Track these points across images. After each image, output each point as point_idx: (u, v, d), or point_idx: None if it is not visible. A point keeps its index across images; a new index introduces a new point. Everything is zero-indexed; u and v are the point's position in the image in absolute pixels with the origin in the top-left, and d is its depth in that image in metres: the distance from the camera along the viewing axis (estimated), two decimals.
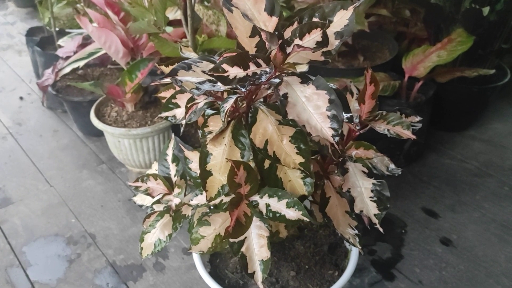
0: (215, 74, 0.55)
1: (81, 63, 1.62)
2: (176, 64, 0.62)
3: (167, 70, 0.71)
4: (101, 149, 1.72)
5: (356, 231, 0.80)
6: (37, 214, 1.43)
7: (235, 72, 0.56)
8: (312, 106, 0.58)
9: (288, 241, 1.00)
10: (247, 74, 0.57)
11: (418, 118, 0.80)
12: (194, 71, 0.61)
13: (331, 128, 0.57)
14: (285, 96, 0.59)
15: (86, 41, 1.74)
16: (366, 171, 0.77)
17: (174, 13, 1.55)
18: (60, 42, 1.84)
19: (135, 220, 1.38)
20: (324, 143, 0.74)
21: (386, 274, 1.18)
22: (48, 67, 1.74)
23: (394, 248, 1.26)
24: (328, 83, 0.67)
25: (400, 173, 0.82)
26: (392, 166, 0.81)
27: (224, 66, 0.56)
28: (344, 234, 0.79)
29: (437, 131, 1.70)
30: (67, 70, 1.64)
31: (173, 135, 0.92)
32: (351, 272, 0.91)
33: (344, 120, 0.58)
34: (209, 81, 0.60)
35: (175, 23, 1.56)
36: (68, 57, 1.68)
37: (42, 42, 1.98)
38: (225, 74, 0.56)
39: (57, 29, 1.95)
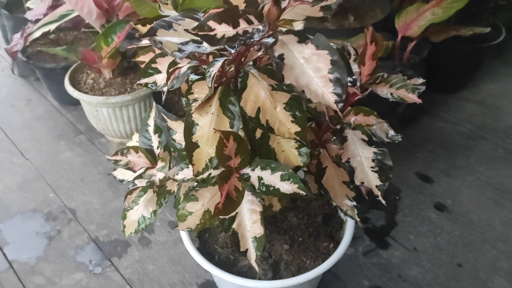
0: (200, 33, 0.48)
1: (52, 27, 1.50)
2: (155, 22, 0.54)
3: (144, 29, 0.63)
4: (79, 119, 1.62)
5: (354, 203, 0.75)
6: (12, 189, 1.35)
7: (223, 30, 0.49)
8: (312, 68, 0.51)
9: (280, 212, 0.95)
10: (237, 32, 0.49)
11: (421, 80, 0.74)
12: (176, 30, 0.53)
13: (334, 93, 0.50)
14: (281, 57, 0.52)
15: (57, 2, 1.61)
16: (366, 139, 0.71)
17: None
18: (28, 4, 1.70)
19: (117, 194, 1.32)
20: (322, 109, 0.68)
21: (380, 242, 1.15)
22: (17, 31, 1.61)
23: (388, 215, 1.22)
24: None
25: (400, 139, 0.77)
26: (392, 132, 0.76)
27: (211, 23, 0.48)
28: (342, 206, 0.74)
29: (430, 93, 1.64)
30: (37, 34, 1.52)
31: (154, 104, 0.84)
32: (347, 244, 0.87)
33: (348, 83, 0.51)
34: (193, 41, 0.53)
35: None
36: (38, 20, 1.56)
37: (10, 4, 1.84)
38: (212, 33, 0.48)
39: None
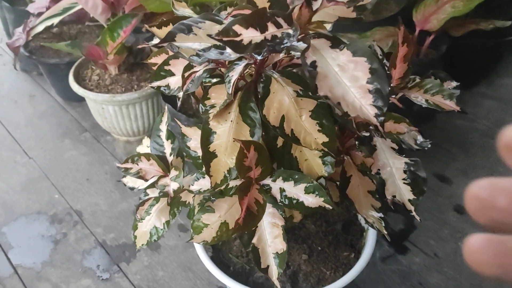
0: (224, 39, 0.43)
1: (55, 20, 1.44)
2: (172, 25, 0.49)
3: (160, 33, 0.57)
4: (84, 116, 1.57)
5: (381, 214, 0.70)
6: (16, 190, 1.30)
7: (250, 35, 0.44)
8: (348, 77, 0.46)
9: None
10: (265, 37, 0.44)
11: (455, 83, 0.69)
12: (196, 34, 0.48)
13: (374, 106, 0.45)
14: (314, 65, 0.47)
15: None
16: (396, 147, 0.66)
17: None
18: None
19: (125, 195, 1.27)
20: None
21: (399, 247, 1.11)
22: (19, 25, 1.56)
23: (406, 218, 1.17)
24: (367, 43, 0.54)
25: (429, 146, 0.72)
26: (420, 138, 0.71)
27: (237, 28, 0.43)
28: (368, 217, 0.69)
29: None
30: (40, 28, 1.46)
31: (166, 107, 0.79)
32: (370, 254, 0.83)
33: (389, 94, 0.46)
34: (216, 47, 0.47)
35: None
36: (40, 14, 1.50)
37: None
38: (238, 39, 0.43)
39: None
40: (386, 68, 0.69)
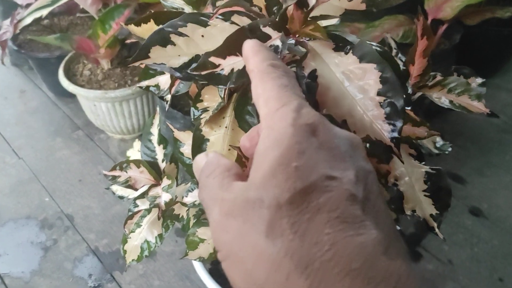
0: (203, 73, 0.35)
1: (44, 12, 1.36)
2: (154, 22, 0.41)
3: (140, 31, 0.49)
4: (76, 112, 1.50)
5: (397, 226, 0.63)
6: (4, 193, 1.23)
7: (230, 63, 0.36)
8: (356, 88, 0.38)
9: None
10: None
11: (480, 80, 0.61)
12: (175, 44, 0.39)
13: (387, 123, 0.36)
14: (313, 75, 0.38)
15: None
16: (415, 153, 0.58)
17: None
18: None
19: None
20: None
21: (411, 253, 1.03)
22: (7, 17, 1.48)
23: (418, 221, 1.10)
24: (374, 44, 0.46)
25: (450, 150, 0.64)
26: (440, 141, 0.63)
27: (213, 59, 0.35)
28: None
29: None
30: (28, 20, 1.38)
31: (158, 109, 0.72)
32: None
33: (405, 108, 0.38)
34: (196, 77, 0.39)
35: None
36: (29, 5, 1.42)
37: None
38: (217, 70, 0.35)
39: None
40: (402, 65, 0.61)
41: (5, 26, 1.43)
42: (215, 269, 0.81)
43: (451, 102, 0.54)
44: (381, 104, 0.37)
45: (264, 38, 0.38)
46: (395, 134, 0.37)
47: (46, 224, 1.14)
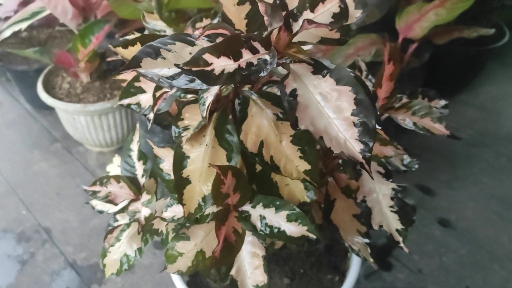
0: (194, 69, 0.38)
1: (23, 25, 1.37)
2: (140, 45, 0.44)
3: (126, 53, 0.52)
4: (54, 125, 1.50)
5: (367, 239, 0.66)
6: None
7: (222, 64, 0.39)
8: (332, 108, 0.41)
9: None
10: (239, 66, 0.39)
11: (443, 102, 0.65)
12: (165, 58, 0.43)
13: (360, 141, 0.40)
14: (294, 94, 0.42)
15: None
16: (383, 171, 0.62)
17: None
18: None
19: None
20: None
21: (383, 263, 1.07)
22: None
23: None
24: (350, 71, 0.50)
25: (417, 166, 0.68)
26: (408, 158, 0.67)
27: (207, 56, 0.38)
28: (353, 245, 0.65)
29: None
30: (7, 33, 1.38)
31: (137, 125, 0.74)
32: (355, 279, 0.79)
33: (376, 127, 0.41)
34: (187, 73, 0.42)
35: None
36: (7, 18, 1.43)
37: None
38: (209, 69, 0.38)
39: None
40: (371, 86, 0.65)
41: None
42: (192, 281, 0.83)
43: (414, 124, 0.58)
44: (355, 123, 0.41)
45: (254, 50, 0.41)
46: (367, 153, 0.40)
47: (23, 237, 1.14)
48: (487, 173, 1.31)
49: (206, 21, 0.71)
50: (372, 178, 0.45)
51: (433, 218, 1.18)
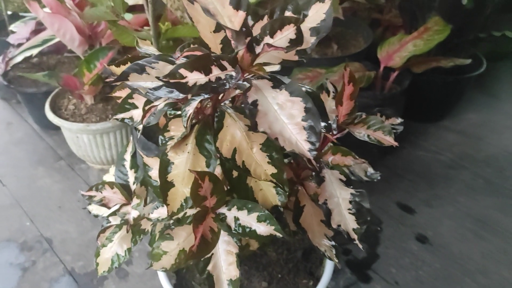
0: (171, 81, 0.47)
1: (34, 51, 1.49)
2: (127, 66, 0.53)
3: (118, 71, 0.62)
4: (59, 144, 1.60)
5: (333, 242, 0.74)
6: None
7: (195, 78, 0.48)
8: (286, 115, 0.51)
9: (259, 247, 0.93)
10: (209, 79, 0.49)
11: (399, 120, 0.74)
12: (149, 73, 0.52)
13: (308, 141, 0.49)
14: (255, 104, 0.51)
15: (41, 26, 1.60)
16: (344, 179, 0.70)
17: None
18: (12, 27, 1.69)
19: (96, 223, 1.29)
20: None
21: (362, 275, 1.14)
22: (0, 54, 1.60)
23: (369, 247, 1.21)
24: (303, 85, 0.60)
25: (379, 178, 0.76)
26: (371, 170, 0.75)
27: (182, 71, 0.47)
28: (320, 246, 0.73)
29: (411, 122, 1.65)
30: (19, 58, 1.50)
31: (131, 138, 0.83)
32: (327, 282, 0.86)
33: (322, 131, 0.51)
34: (166, 86, 0.52)
35: (138, 9, 1.45)
36: (20, 44, 1.55)
37: None
38: (183, 81, 0.47)
39: (9, 12, 1.80)
40: (332, 99, 0.74)
41: None
42: (179, 284, 0.90)
43: (368, 136, 0.66)
44: (304, 127, 0.50)
45: (223, 68, 0.51)
46: (314, 151, 0.49)
47: (25, 246, 1.22)
48: (464, 194, 1.38)
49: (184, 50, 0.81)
50: (318, 170, 0.55)
51: (411, 234, 1.25)
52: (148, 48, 0.74)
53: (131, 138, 0.84)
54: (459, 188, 1.40)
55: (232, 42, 0.52)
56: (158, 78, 0.47)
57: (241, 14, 0.53)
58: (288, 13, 0.56)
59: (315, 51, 1.57)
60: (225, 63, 0.51)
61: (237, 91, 0.66)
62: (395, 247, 1.21)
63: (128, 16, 1.26)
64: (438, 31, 1.37)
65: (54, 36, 1.49)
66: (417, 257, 1.18)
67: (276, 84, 0.53)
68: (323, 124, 0.55)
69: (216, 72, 0.50)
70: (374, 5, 1.70)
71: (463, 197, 1.37)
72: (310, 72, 1.39)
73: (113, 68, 0.61)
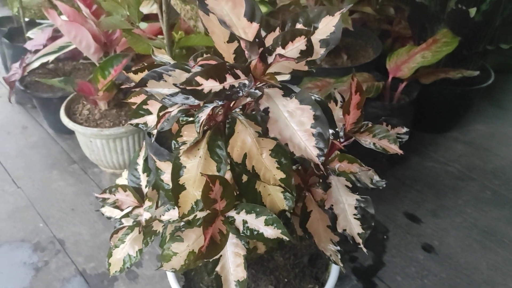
0: (187, 88, 0.50)
1: (50, 58, 1.53)
2: (145, 73, 0.56)
3: (136, 78, 0.65)
4: (73, 148, 1.64)
5: (338, 247, 0.76)
6: (2, 218, 1.35)
7: (210, 85, 0.51)
8: (296, 122, 0.53)
9: (267, 252, 0.95)
10: (223, 87, 0.51)
11: (404, 130, 0.76)
12: (166, 81, 0.55)
13: (316, 147, 0.52)
14: (266, 111, 0.54)
15: (57, 33, 1.64)
16: (350, 185, 0.72)
17: (150, 7, 1.48)
18: (29, 34, 1.74)
19: (108, 225, 1.32)
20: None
21: (367, 282, 1.15)
22: (17, 60, 1.64)
23: (375, 254, 1.22)
24: (312, 94, 0.62)
25: (384, 185, 0.78)
26: (376, 178, 0.77)
27: (198, 79, 0.50)
28: (326, 251, 0.75)
29: (420, 133, 1.67)
30: (36, 64, 1.54)
31: (144, 143, 0.86)
32: (332, 287, 0.87)
33: (330, 137, 0.53)
34: (182, 92, 0.55)
35: (152, 18, 1.49)
36: (37, 51, 1.59)
37: (11, 33, 1.88)
38: (199, 88, 0.50)
39: (27, 19, 1.86)
40: (340, 109, 0.77)
41: (14, 68, 1.59)
42: (187, 286, 0.92)
43: (374, 144, 0.68)
44: (313, 134, 0.53)
45: (236, 76, 0.53)
46: (322, 157, 0.51)
47: (39, 247, 1.25)
48: (471, 205, 1.39)
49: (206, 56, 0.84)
50: (325, 174, 0.57)
51: (417, 243, 1.26)
52: (163, 56, 0.77)
53: (144, 143, 0.87)
54: (466, 199, 1.41)
55: (246, 52, 0.55)
56: (175, 85, 0.50)
57: (255, 26, 0.56)
58: (299, 25, 0.59)
59: (325, 61, 1.59)
60: (238, 72, 0.54)
61: (248, 99, 0.69)
62: (401, 255, 1.22)
63: (143, 25, 1.30)
64: (446, 43, 1.39)
65: (70, 43, 1.53)
66: (423, 266, 1.19)
67: (287, 92, 0.56)
68: (331, 131, 0.57)
69: (230, 80, 0.52)
70: (383, 17, 1.72)
71: (471, 208, 1.38)
72: (320, 82, 1.42)
73: (131, 75, 0.64)
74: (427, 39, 1.44)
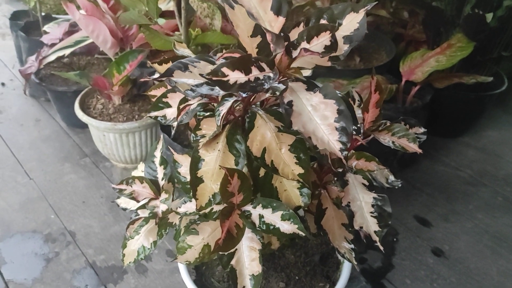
0: (214, 78, 0.50)
1: (66, 51, 1.55)
2: (171, 63, 0.57)
3: (161, 69, 0.65)
4: (85, 142, 1.65)
5: (352, 245, 0.76)
6: (14, 209, 1.36)
7: (235, 76, 0.51)
8: (319, 116, 0.53)
9: (278, 249, 0.96)
10: (248, 79, 0.52)
11: (422, 130, 0.76)
12: (191, 72, 0.56)
13: (340, 141, 0.52)
14: (290, 104, 0.54)
15: (73, 28, 1.66)
16: (367, 183, 0.73)
17: (166, 4, 1.48)
18: (45, 28, 1.76)
19: (118, 218, 1.33)
20: (325, 152, 0.70)
21: (376, 284, 1.15)
22: (33, 53, 1.66)
23: (385, 257, 1.22)
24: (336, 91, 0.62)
25: (400, 185, 0.78)
26: (392, 178, 0.77)
27: (224, 70, 0.51)
28: (340, 248, 0.75)
29: (432, 137, 1.66)
30: (52, 58, 1.56)
31: (161, 136, 0.87)
32: (343, 286, 0.88)
33: (353, 132, 0.53)
34: (207, 83, 0.55)
35: (167, 15, 1.50)
36: (53, 44, 1.61)
37: (27, 27, 1.90)
38: (225, 79, 0.51)
39: (43, 13, 1.87)
40: (357, 107, 0.77)
41: (30, 61, 1.60)
42: (199, 280, 0.92)
43: (393, 142, 0.69)
44: (337, 128, 0.53)
45: (261, 69, 0.54)
46: (345, 151, 0.52)
47: (50, 238, 1.26)
48: (483, 210, 1.38)
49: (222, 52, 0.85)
50: (346, 165, 0.57)
51: (427, 247, 1.26)
52: (184, 50, 0.78)
53: (161, 135, 0.88)
54: (478, 204, 1.41)
55: (271, 45, 0.55)
56: (201, 75, 0.50)
57: (281, 19, 0.56)
58: (323, 21, 0.59)
59: (338, 63, 1.59)
60: (263, 65, 0.54)
61: (267, 94, 0.70)
62: (411, 258, 1.22)
63: (161, 21, 1.31)
64: (461, 47, 1.38)
65: (87, 38, 1.55)
66: (433, 270, 1.19)
67: (310, 86, 0.56)
68: (353, 127, 0.57)
69: (255, 72, 0.53)
70: (397, 20, 1.72)
71: (482, 213, 1.37)
72: (332, 83, 1.42)
73: (156, 66, 0.65)
74: (441, 44, 1.44)
